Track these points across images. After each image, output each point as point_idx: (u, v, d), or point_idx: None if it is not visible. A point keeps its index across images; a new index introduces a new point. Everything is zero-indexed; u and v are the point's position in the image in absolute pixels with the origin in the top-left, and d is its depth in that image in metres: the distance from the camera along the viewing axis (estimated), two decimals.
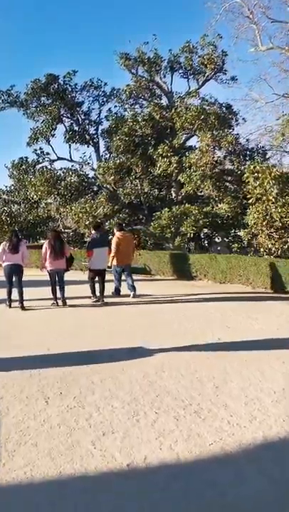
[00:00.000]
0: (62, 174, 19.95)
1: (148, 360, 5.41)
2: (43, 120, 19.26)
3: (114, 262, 10.08)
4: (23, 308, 8.84)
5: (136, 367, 5.12)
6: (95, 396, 4.27)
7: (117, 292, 10.39)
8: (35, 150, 20.46)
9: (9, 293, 9.12)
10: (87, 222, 16.84)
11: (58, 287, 9.28)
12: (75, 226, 18.82)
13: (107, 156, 20.26)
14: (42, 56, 57.44)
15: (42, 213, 21.52)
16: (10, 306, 9.08)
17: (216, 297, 10.10)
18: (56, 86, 19.20)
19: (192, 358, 5.41)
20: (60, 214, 19.89)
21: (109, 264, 10.09)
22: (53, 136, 19.62)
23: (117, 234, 10.28)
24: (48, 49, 59.87)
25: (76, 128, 20.12)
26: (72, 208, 18.04)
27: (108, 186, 18.75)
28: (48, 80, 18.85)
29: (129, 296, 10.06)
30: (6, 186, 24.01)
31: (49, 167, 20.43)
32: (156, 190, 19.51)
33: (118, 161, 17.63)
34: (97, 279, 9.75)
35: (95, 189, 20.47)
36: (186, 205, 16.27)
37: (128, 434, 3.47)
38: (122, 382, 4.62)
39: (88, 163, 20.19)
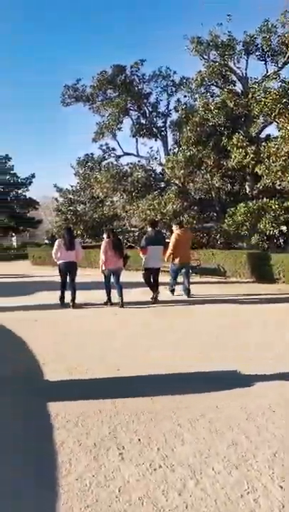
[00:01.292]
0: (128, 170, 19.06)
1: (247, 392, 4.15)
2: (109, 114, 18.47)
3: (174, 261, 9.75)
4: (74, 306, 8.74)
5: (233, 402, 3.89)
6: (185, 448, 3.11)
7: (172, 293, 9.96)
8: (101, 146, 19.83)
9: (63, 291, 9.03)
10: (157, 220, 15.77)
11: (112, 287, 9.09)
12: (142, 224, 17.85)
13: (176, 149, 19.07)
14: (109, 51, 58.22)
15: (107, 212, 20.86)
16: (62, 304, 8.95)
17: None
18: (123, 77, 18.32)
19: None
20: (126, 212, 19.03)
21: (166, 263, 9.90)
22: (119, 129, 18.79)
23: (177, 231, 9.88)
24: (115, 43, 60.70)
25: (143, 121, 19.15)
26: (139, 205, 17.07)
27: (177, 182, 17.57)
28: (114, 72, 18.04)
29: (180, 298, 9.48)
30: (72, 186, 23.73)
31: (115, 163, 19.64)
32: (228, 184, 18.03)
33: (188, 154, 16.35)
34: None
35: (162, 185, 19.39)
36: (264, 199, 14.70)
37: None
38: (219, 427, 3.42)
39: (156, 158, 19.15)
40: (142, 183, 18.26)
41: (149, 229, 9.73)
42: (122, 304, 8.71)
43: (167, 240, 10.32)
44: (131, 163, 19.48)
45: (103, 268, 9.02)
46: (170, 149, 19.42)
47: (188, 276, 9.98)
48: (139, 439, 3.25)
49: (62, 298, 9.04)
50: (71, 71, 70.74)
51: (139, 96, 18.64)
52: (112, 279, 9.03)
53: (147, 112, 19.15)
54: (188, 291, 9.69)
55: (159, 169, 19.45)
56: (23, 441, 3.26)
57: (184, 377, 4.60)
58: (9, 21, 67.16)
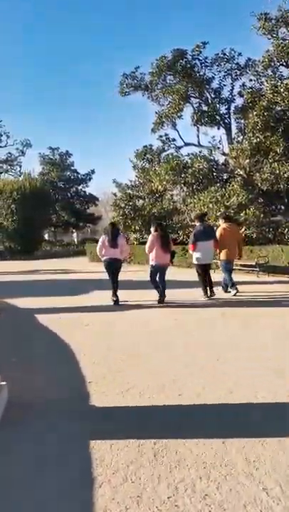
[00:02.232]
0: (189, 161, 17.97)
1: None
2: (169, 102, 17.49)
3: (222, 257, 9.34)
4: (116, 303, 8.54)
5: None
6: None
7: (235, 289, 9.23)
8: (160, 136, 18.88)
9: (114, 291, 8.66)
10: (218, 214, 14.64)
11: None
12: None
13: (240, 138, 17.74)
14: (168, 35, 57.56)
15: (167, 206, 19.96)
16: (117, 303, 8.57)
17: None
18: (184, 62, 17.20)
19: None
20: (187, 206, 17.99)
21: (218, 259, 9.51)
22: (179, 117, 17.75)
23: (223, 225, 9.46)
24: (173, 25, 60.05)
25: (205, 108, 17.92)
26: (201, 198, 15.98)
27: (241, 172, 16.27)
28: (175, 56, 16.98)
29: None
30: (131, 181, 23.17)
31: (175, 154, 18.61)
32: None
33: (254, 141, 15.02)
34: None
35: (226, 177, 18.13)
36: None
37: None
38: None
39: (218, 148, 17.89)
40: (204, 174, 17.10)
41: (197, 223, 9.21)
42: (161, 301, 8.51)
43: None
44: (192, 154, 18.34)
45: (152, 263, 8.64)
46: (234, 138, 18.11)
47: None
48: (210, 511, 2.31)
49: (115, 298, 8.61)
50: (129, 63, 70.83)
51: (201, 81, 17.44)
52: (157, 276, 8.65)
53: (209, 98, 17.93)
54: (226, 287, 9.46)
55: (222, 159, 18.24)
56: (55, 506, 2.43)
57: (262, 406, 3.59)
58: (74, 17, 68.29)
